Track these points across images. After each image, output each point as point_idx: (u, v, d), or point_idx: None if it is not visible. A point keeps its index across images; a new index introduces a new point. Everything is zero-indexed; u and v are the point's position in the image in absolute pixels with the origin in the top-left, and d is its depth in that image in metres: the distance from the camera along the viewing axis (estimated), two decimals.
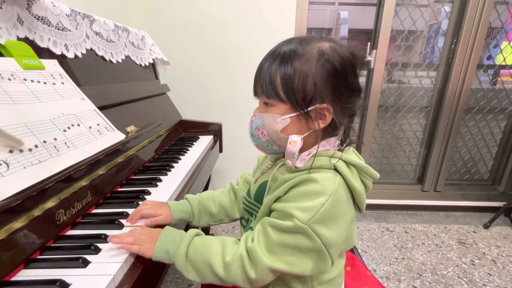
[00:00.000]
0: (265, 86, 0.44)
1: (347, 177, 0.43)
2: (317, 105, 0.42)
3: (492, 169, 1.79)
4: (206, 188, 1.37)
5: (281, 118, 0.44)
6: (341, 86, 0.43)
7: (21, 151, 0.44)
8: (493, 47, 1.62)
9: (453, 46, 1.53)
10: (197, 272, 0.44)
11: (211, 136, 1.20)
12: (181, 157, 0.91)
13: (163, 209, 0.56)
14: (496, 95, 1.65)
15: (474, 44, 1.46)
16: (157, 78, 1.24)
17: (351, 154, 0.47)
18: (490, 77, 1.66)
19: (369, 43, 1.54)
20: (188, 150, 0.99)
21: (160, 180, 0.72)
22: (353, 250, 0.72)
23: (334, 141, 0.48)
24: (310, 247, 0.40)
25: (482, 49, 1.49)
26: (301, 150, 0.45)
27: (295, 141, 0.43)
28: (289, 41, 0.45)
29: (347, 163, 0.45)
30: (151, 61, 1.17)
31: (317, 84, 0.41)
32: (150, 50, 1.18)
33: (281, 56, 0.43)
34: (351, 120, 0.48)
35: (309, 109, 0.42)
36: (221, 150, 1.27)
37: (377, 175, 0.47)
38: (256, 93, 0.48)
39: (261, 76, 0.44)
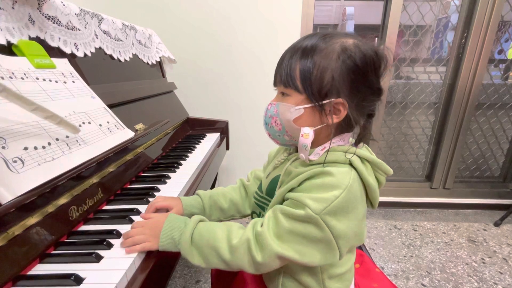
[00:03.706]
0: (284, 75, 0.44)
1: (361, 172, 0.43)
2: (332, 99, 0.42)
3: (503, 166, 1.76)
4: (213, 186, 1.38)
5: (295, 108, 0.44)
6: (360, 82, 0.42)
7: (35, 148, 0.45)
8: (504, 41, 1.58)
9: (463, 41, 1.50)
10: (202, 256, 0.44)
11: (218, 134, 1.21)
12: (188, 154, 0.91)
13: (175, 202, 0.58)
14: (508, 90, 1.61)
15: (485, 38, 1.43)
16: (164, 76, 1.25)
17: (364, 150, 0.47)
18: (502, 72, 1.62)
19: (376, 38, 1.52)
20: (195, 147, 0.99)
21: (169, 177, 0.73)
22: (361, 247, 0.72)
23: (348, 137, 0.48)
24: (320, 237, 0.40)
25: (493, 43, 1.46)
26: (315, 145, 0.46)
27: (307, 133, 0.43)
28: (312, 35, 0.45)
29: (362, 159, 0.45)
30: (158, 59, 1.18)
31: (335, 78, 0.41)
32: (157, 48, 1.19)
33: (303, 48, 0.43)
34: (369, 120, 0.47)
35: (324, 102, 0.42)
36: (227, 148, 1.28)
37: (390, 171, 0.47)
38: (275, 83, 0.48)
39: (282, 65, 0.45)
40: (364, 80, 0.42)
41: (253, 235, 0.43)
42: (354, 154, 0.44)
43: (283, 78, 0.45)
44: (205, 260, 0.45)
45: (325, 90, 0.42)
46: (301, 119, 0.45)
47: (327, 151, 0.45)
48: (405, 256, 1.33)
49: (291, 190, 0.46)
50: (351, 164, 0.44)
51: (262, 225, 0.44)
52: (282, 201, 0.47)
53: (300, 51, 0.43)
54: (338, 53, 0.41)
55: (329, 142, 0.45)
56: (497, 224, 1.57)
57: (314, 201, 0.40)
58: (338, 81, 0.41)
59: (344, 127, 0.46)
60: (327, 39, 0.43)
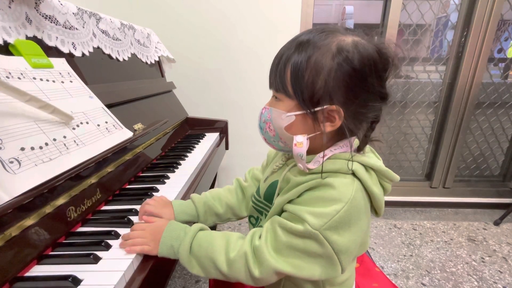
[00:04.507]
0: (275, 79, 0.42)
1: (365, 182, 0.40)
2: (325, 106, 0.39)
3: (503, 165, 1.76)
4: (212, 185, 1.38)
5: (286, 114, 0.41)
6: (357, 88, 0.38)
7: (32, 148, 0.45)
8: (504, 40, 1.58)
9: (463, 40, 1.50)
10: (201, 267, 0.44)
11: (217, 133, 1.20)
12: (188, 154, 0.91)
13: (166, 209, 0.55)
14: (508, 89, 1.60)
15: (485, 37, 1.43)
16: (163, 75, 1.24)
17: (369, 156, 0.44)
18: (501, 71, 1.62)
19: (376, 38, 1.51)
20: (194, 147, 0.99)
21: (168, 177, 0.72)
22: None
23: (352, 141, 0.44)
24: (320, 252, 0.38)
25: (493, 42, 1.45)
26: (315, 151, 0.43)
27: (300, 142, 0.40)
28: (310, 31, 0.41)
29: (366, 167, 0.42)
30: (157, 59, 1.18)
31: (328, 83, 0.38)
32: (156, 48, 1.18)
33: (296, 47, 0.40)
34: (372, 127, 0.43)
35: (316, 109, 0.39)
36: (227, 147, 1.27)
37: (397, 178, 0.44)
38: (269, 85, 0.46)
39: (273, 67, 0.43)
40: (362, 84, 0.38)
41: (251, 249, 0.42)
42: (358, 162, 0.41)
43: (274, 82, 0.42)
44: (203, 270, 0.44)
45: (317, 97, 0.38)
46: (293, 127, 0.42)
47: (328, 158, 0.42)
48: (405, 256, 1.33)
49: (290, 201, 0.44)
50: (354, 174, 0.41)
51: (260, 237, 0.42)
52: (281, 211, 0.45)
53: (292, 51, 0.40)
54: (333, 54, 0.37)
55: (331, 148, 0.42)
56: (496, 223, 1.57)
57: (314, 216, 0.38)
58: (331, 87, 0.38)
59: (346, 132, 0.42)
60: (322, 37, 0.39)
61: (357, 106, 0.39)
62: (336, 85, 0.38)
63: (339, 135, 0.43)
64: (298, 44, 0.40)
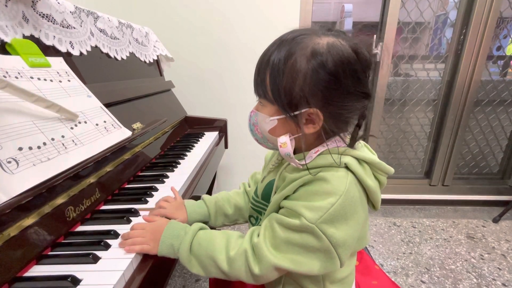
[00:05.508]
0: (257, 86, 0.44)
1: (359, 175, 0.41)
2: (303, 110, 0.40)
3: (501, 163, 1.76)
4: (212, 185, 1.38)
5: (269, 118, 0.43)
6: (333, 90, 0.39)
7: (30, 148, 0.44)
8: (503, 38, 1.58)
9: (461, 37, 1.50)
10: (202, 266, 0.44)
11: (217, 132, 1.20)
12: (187, 153, 0.91)
13: (179, 212, 0.56)
14: (507, 86, 1.61)
15: (484, 35, 1.43)
16: (161, 74, 1.24)
17: (363, 150, 0.45)
18: (500, 69, 1.62)
19: (375, 36, 1.51)
20: (193, 146, 0.99)
21: (167, 177, 0.72)
22: None
23: (345, 137, 0.45)
24: (318, 246, 0.39)
25: (491, 39, 1.45)
26: (308, 148, 0.44)
27: (283, 142, 0.42)
28: (288, 34, 0.42)
29: (359, 160, 0.42)
30: (155, 58, 1.17)
31: (304, 88, 0.38)
32: (154, 46, 1.17)
33: (273, 52, 0.40)
34: (359, 124, 0.44)
35: (295, 113, 0.40)
36: (226, 146, 1.27)
37: (391, 170, 0.44)
38: (254, 91, 0.47)
39: (255, 75, 0.44)
40: (337, 87, 0.38)
41: (250, 247, 0.43)
42: (351, 156, 0.41)
43: (257, 89, 0.44)
44: (204, 269, 0.44)
45: (294, 101, 0.39)
46: (276, 130, 0.43)
47: (321, 154, 0.42)
48: (404, 253, 1.33)
49: (286, 198, 0.44)
50: (347, 167, 0.41)
51: (259, 235, 0.43)
52: (278, 208, 0.46)
53: (270, 58, 0.40)
54: (308, 58, 0.38)
55: (323, 144, 0.43)
56: (495, 220, 1.57)
57: (309, 210, 0.38)
58: (307, 91, 0.38)
59: (323, 134, 0.42)
60: (298, 41, 0.39)
61: (336, 107, 0.40)
62: (311, 90, 0.38)
63: (329, 133, 0.44)
64: (276, 48, 0.41)
